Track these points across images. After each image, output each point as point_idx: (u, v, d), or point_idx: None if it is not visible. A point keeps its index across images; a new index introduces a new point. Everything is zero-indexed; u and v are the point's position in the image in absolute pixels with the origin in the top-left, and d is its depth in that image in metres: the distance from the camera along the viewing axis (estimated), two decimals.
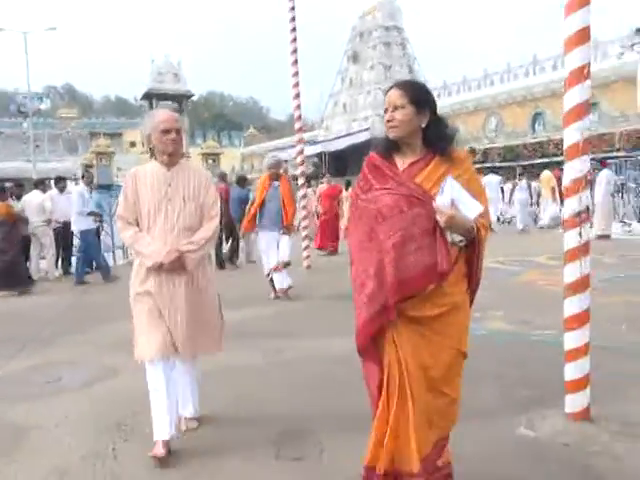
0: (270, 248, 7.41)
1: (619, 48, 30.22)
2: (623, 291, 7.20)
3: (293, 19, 9.99)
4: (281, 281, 7.41)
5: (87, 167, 56.19)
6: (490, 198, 17.17)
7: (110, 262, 12.21)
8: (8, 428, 3.61)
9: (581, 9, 3.00)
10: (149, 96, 60.40)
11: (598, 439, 3.05)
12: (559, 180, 16.75)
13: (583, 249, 3.14)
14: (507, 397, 3.72)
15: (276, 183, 7.43)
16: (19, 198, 10.84)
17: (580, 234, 3.12)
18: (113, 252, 12.93)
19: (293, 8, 9.92)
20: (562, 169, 12.30)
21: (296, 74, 10.48)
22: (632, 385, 3.85)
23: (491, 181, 17.62)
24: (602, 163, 14.01)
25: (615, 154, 27.91)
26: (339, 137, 50.27)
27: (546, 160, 31.56)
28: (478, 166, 36.20)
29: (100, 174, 54.14)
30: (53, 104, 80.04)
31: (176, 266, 3.03)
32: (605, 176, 13.53)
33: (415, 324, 2.25)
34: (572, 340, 3.21)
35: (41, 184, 11.26)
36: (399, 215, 2.23)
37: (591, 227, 13.24)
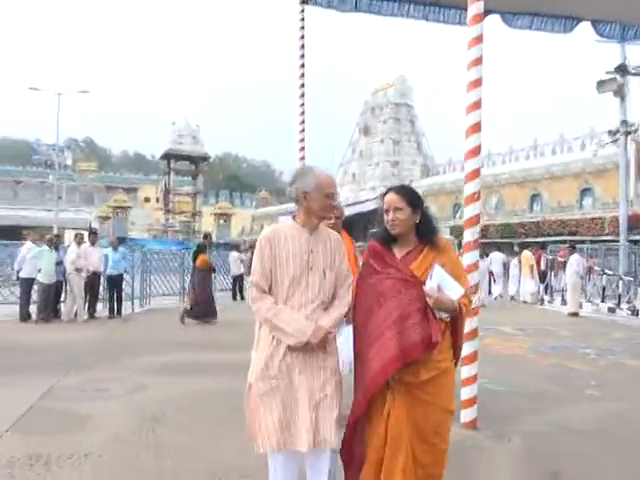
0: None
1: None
2: (560, 356, 8.65)
3: (302, 86, 10.81)
4: None
5: (104, 219, 58.29)
6: (495, 272, 18.63)
7: (129, 309, 13.90)
8: (75, 415, 5.16)
9: (474, 157, 4.71)
10: (168, 156, 63.18)
11: (476, 439, 4.57)
12: (539, 260, 18.39)
13: (473, 311, 4.73)
14: None
15: None
16: (57, 248, 12.56)
17: (470, 302, 4.71)
18: (132, 300, 14.52)
19: (302, 75, 10.74)
20: (545, 249, 13.97)
21: (302, 136, 9.79)
22: (519, 413, 5.38)
23: (497, 258, 19.22)
24: (572, 248, 15.66)
25: (604, 238, 29.70)
26: (347, 205, 52.06)
27: (540, 239, 33.10)
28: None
29: (116, 227, 56.54)
30: (73, 156, 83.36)
31: (320, 345, 2.75)
32: (575, 260, 15.15)
33: (411, 388, 2.65)
34: (466, 372, 4.77)
35: (77, 237, 12.95)
36: (398, 296, 2.66)
37: (564, 304, 14.74)
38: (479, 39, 4.71)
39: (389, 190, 2.86)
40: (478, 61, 4.71)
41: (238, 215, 70.82)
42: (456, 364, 2.88)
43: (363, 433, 2.76)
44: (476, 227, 4.76)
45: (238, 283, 18.17)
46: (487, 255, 18.45)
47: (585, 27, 11.71)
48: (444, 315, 2.66)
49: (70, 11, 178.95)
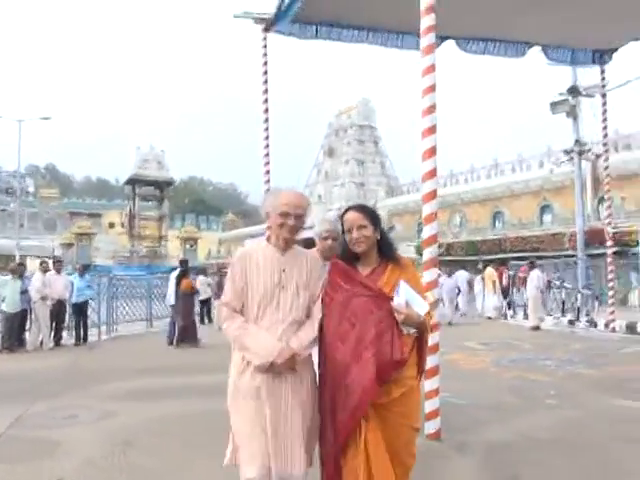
0: None
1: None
2: (521, 369, 8.91)
3: (266, 111, 10.51)
4: None
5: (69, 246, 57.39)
6: (462, 290, 19.04)
7: (96, 337, 13.77)
8: (46, 442, 5.17)
9: (431, 179, 4.95)
10: (133, 181, 62.70)
11: (439, 449, 4.75)
12: (501, 276, 18.84)
13: (434, 327, 4.93)
14: None
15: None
16: (21, 276, 12.44)
17: (431, 317, 4.92)
18: (99, 327, 14.39)
19: (266, 100, 10.51)
20: (507, 266, 14.42)
21: (267, 159, 10.34)
22: (481, 424, 5.58)
23: (461, 276, 19.64)
24: (531, 264, 16.13)
25: (564, 253, 30.45)
26: (314, 226, 52.13)
27: (503, 256, 33.70)
28: (444, 259, 38.00)
29: (80, 254, 55.71)
30: (35, 183, 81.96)
31: (288, 366, 2.67)
32: (535, 275, 15.61)
33: (380, 409, 2.61)
34: (428, 385, 4.97)
35: (42, 264, 12.87)
36: (370, 315, 2.63)
37: (526, 319, 15.16)
38: (432, 68, 4.99)
39: (348, 209, 2.88)
40: (432, 89, 4.97)
41: (205, 239, 70.49)
42: (420, 379, 2.89)
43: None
44: (434, 246, 4.98)
45: (205, 307, 18.22)
46: (453, 273, 18.85)
47: (538, 51, 12.28)
48: (412, 331, 2.68)
49: (31, 36, 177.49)
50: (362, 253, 2.80)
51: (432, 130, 4.98)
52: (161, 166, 64.00)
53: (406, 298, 2.64)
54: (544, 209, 40.01)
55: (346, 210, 2.88)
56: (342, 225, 2.87)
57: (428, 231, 4.98)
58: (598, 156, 16.90)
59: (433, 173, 4.98)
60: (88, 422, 5.92)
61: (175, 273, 13.43)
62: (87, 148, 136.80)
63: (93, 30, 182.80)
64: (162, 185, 63.94)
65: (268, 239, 2.90)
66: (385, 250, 2.83)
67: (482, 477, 4.23)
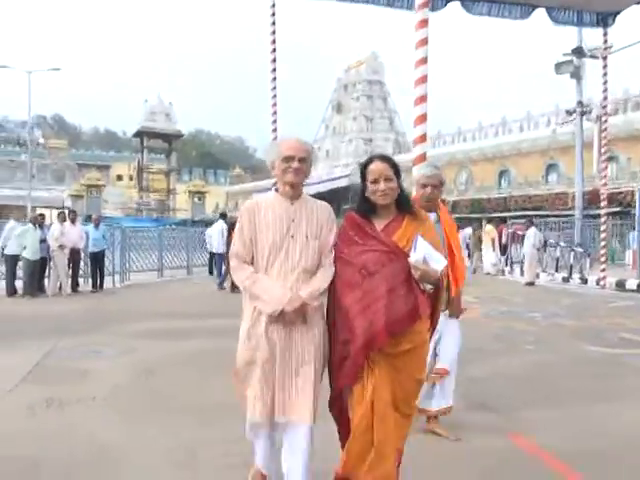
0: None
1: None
2: (509, 320, 9.59)
3: (274, 68, 11.03)
4: (433, 400, 4.27)
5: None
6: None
7: (110, 284, 14.55)
8: (78, 371, 5.90)
9: (421, 143, 5.49)
10: (141, 134, 62.89)
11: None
12: (500, 233, 19.42)
13: None
14: None
15: (433, 215, 3.77)
16: (41, 226, 13.14)
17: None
18: (113, 276, 15.16)
19: (274, 60, 10.92)
20: (508, 224, 15.05)
21: (275, 117, 10.78)
22: (462, 363, 6.19)
23: (469, 232, 20.22)
24: (530, 222, 16.67)
25: (566, 213, 30.86)
26: (321, 182, 52.57)
27: (507, 214, 34.07)
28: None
29: (89, 206, 56.44)
30: (42, 134, 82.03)
31: (298, 315, 2.68)
32: (532, 233, 16.18)
33: (389, 358, 2.61)
34: None
35: (60, 215, 13.56)
36: (382, 269, 2.59)
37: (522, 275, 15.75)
38: (425, 41, 5.46)
39: (372, 159, 2.78)
40: (424, 61, 5.46)
41: (212, 192, 70.82)
42: (432, 333, 2.92)
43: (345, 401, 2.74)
44: None
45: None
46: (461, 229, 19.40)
47: (543, 12, 12.52)
48: (428, 287, 2.65)
49: None
50: (385, 205, 2.73)
51: (423, 99, 5.47)
52: (169, 118, 64.09)
53: (424, 254, 2.57)
54: (550, 168, 40.05)
55: (370, 159, 2.80)
56: (363, 175, 2.79)
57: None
58: (600, 117, 17.18)
59: (423, 138, 5.50)
60: (112, 356, 6.65)
61: (220, 225, 15.41)
62: (94, 99, 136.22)
63: None
64: (170, 138, 64.14)
65: (277, 190, 2.89)
66: (403, 203, 2.78)
67: (457, 404, 4.89)
